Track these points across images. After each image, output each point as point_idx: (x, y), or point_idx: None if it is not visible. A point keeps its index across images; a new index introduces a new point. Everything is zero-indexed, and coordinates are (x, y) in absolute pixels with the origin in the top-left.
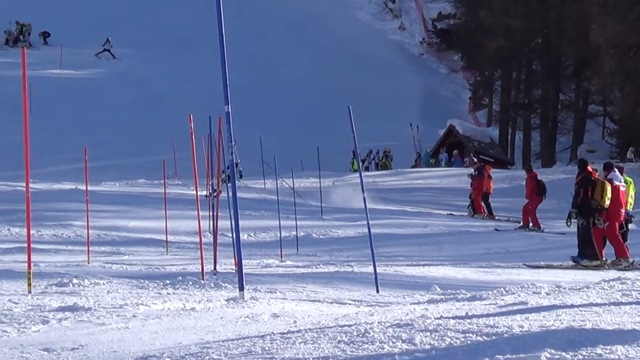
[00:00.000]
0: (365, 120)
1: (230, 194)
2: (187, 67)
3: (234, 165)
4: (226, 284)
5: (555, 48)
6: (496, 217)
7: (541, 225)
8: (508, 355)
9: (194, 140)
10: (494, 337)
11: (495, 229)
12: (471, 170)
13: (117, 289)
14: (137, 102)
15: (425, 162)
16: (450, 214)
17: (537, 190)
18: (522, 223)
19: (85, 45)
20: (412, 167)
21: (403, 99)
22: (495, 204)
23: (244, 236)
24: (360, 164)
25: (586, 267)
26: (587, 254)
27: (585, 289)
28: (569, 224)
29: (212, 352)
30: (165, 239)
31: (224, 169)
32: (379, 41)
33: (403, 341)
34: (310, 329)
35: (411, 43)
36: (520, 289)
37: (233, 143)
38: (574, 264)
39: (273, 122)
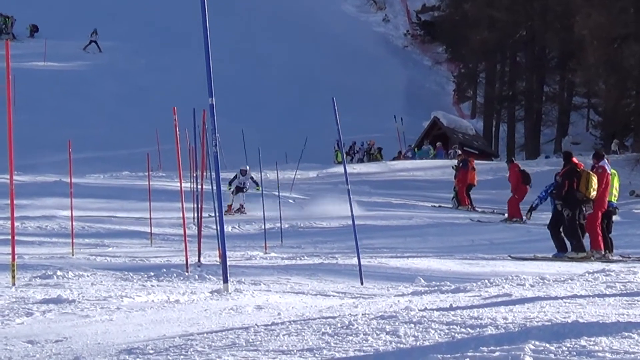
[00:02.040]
0: (349, 112)
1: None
2: (171, 60)
3: (218, 162)
4: (210, 276)
5: (539, 40)
6: (477, 209)
7: (523, 217)
8: (492, 347)
9: (178, 133)
10: (477, 329)
11: (479, 220)
12: (456, 162)
13: (101, 281)
14: (121, 95)
15: (424, 155)
16: (437, 206)
17: (522, 181)
18: (506, 215)
19: (69, 37)
20: (394, 158)
21: (387, 91)
22: (479, 196)
23: (228, 228)
24: (345, 155)
25: (572, 259)
26: (573, 245)
27: (570, 281)
28: (529, 217)
29: (196, 344)
30: (149, 231)
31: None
32: (363, 34)
33: (387, 333)
34: (294, 321)
35: (395, 35)
36: (504, 280)
37: (217, 135)
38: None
39: (257, 116)
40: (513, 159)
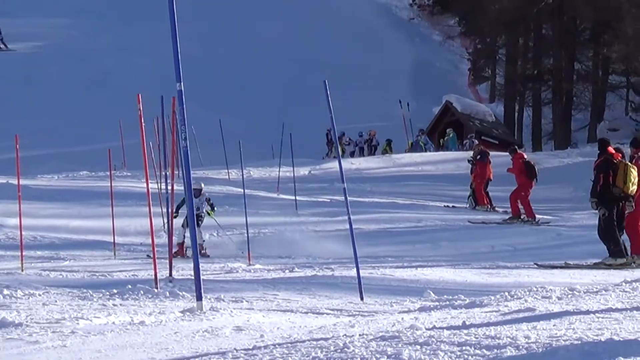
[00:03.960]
0: (346, 97)
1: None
2: (139, 39)
3: (188, 159)
4: (184, 293)
5: (568, 9)
6: (498, 209)
7: (536, 216)
8: None
9: (143, 124)
10: (495, 350)
11: (469, 222)
12: (472, 155)
13: (55, 301)
14: (78, 80)
15: (453, 145)
16: (451, 206)
17: (526, 173)
18: (511, 214)
19: (17, 11)
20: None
21: (391, 71)
22: (500, 194)
23: (204, 236)
24: (340, 149)
25: (609, 267)
26: (610, 250)
27: (604, 292)
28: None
29: None
30: (112, 240)
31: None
32: (363, 4)
33: (388, 356)
34: (279, 344)
35: (399, 6)
36: (527, 292)
37: (186, 127)
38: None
39: (239, 101)
40: (516, 147)
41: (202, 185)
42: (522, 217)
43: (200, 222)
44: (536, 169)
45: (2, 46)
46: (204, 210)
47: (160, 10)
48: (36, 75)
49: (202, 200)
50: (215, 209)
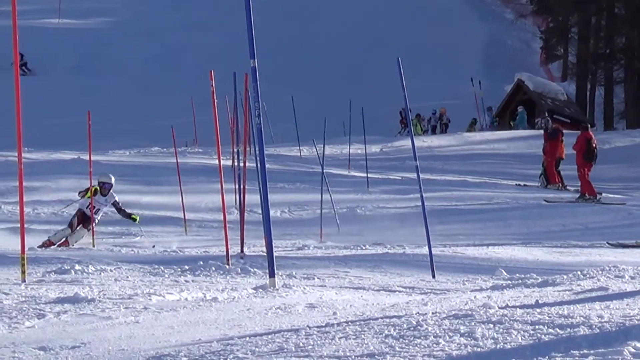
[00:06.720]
0: (417, 75)
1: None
2: (209, 15)
3: (262, 135)
4: (255, 270)
5: None
6: (569, 187)
7: (597, 194)
8: (585, 350)
9: (215, 101)
10: (568, 329)
11: (545, 201)
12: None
13: (127, 277)
14: (150, 57)
15: (522, 123)
16: (522, 185)
17: (584, 154)
18: (580, 192)
19: None
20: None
21: (462, 50)
22: (571, 172)
23: (276, 213)
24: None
25: None
26: None
27: None
28: None
29: (237, 350)
30: (183, 216)
31: None
32: None
33: (461, 335)
34: (352, 322)
35: None
36: (600, 272)
37: (260, 103)
38: None
39: (309, 78)
40: (586, 125)
41: (112, 178)
42: (585, 195)
43: (89, 226)
44: (595, 153)
45: (26, 70)
46: (101, 214)
47: None
48: (109, 51)
49: (107, 200)
50: (136, 217)
